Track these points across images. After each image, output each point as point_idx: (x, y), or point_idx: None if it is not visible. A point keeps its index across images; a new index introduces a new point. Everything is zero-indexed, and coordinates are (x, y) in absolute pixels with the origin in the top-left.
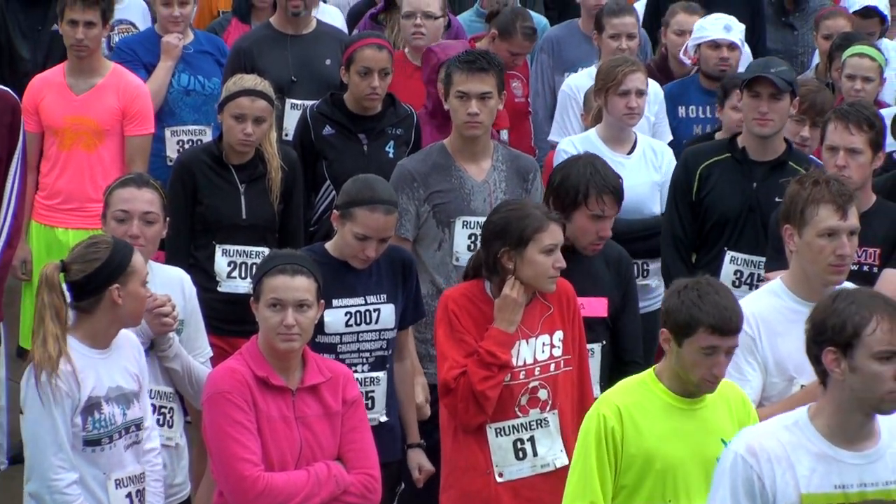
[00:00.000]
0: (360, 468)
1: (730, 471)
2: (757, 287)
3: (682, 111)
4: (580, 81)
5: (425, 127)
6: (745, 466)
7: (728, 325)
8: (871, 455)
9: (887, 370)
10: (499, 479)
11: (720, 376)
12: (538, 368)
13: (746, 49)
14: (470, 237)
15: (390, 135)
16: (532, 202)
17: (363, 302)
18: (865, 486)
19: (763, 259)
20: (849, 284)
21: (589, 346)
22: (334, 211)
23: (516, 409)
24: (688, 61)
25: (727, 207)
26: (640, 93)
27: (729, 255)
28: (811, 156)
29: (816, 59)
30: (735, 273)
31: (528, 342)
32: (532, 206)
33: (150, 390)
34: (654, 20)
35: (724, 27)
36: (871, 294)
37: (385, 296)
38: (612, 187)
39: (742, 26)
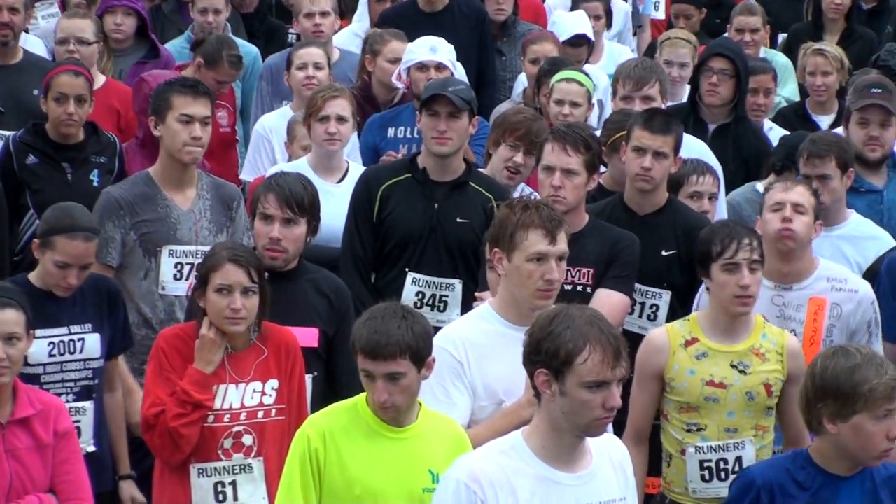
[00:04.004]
0: (74, 500)
1: (453, 498)
2: (440, 307)
3: (391, 132)
4: (272, 122)
5: (136, 156)
6: (469, 493)
7: (375, 349)
8: (586, 476)
9: (596, 398)
10: None
11: (381, 402)
12: (244, 414)
13: (460, 68)
14: (176, 266)
15: (94, 163)
16: (229, 241)
17: (67, 332)
18: None
19: (445, 280)
20: None
21: None
22: (35, 240)
23: (219, 451)
24: (401, 85)
25: (409, 228)
26: (341, 119)
27: (410, 276)
28: (524, 184)
29: (523, 84)
30: (417, 294)
31: (237, 387)
32: (221, 246)
33: None
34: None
35: (429, 49)
36: (589, 320)
37: (90, 325)
38: (279, 187)
39: (450, 47)
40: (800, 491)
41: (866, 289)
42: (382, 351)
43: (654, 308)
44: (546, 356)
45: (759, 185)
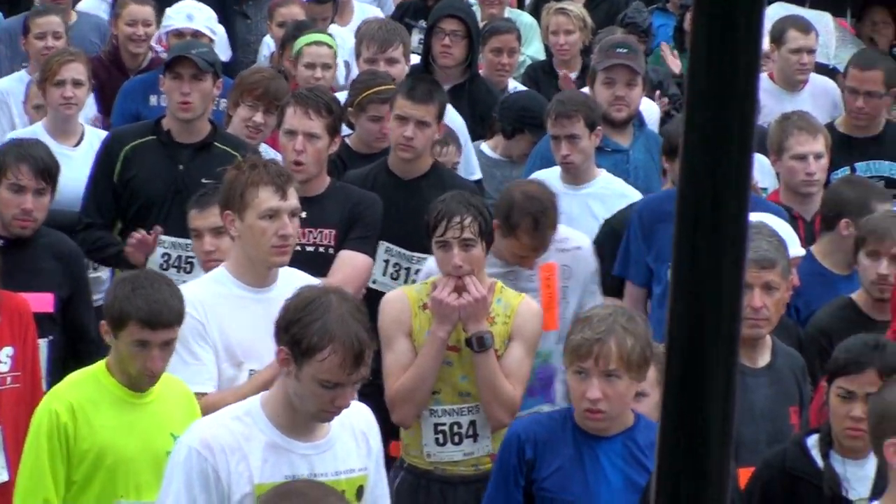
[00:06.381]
0: None
1: (183, 464)
2: (186, 269)
3: (154, 100)
4: (8, 85)
5: None
6: (200, 459)
7: (157, 318)
8: (322, 446)
9: (326, 394)
10: None
11: (155, 371)
12: None
13: (221, 32)
14: None
15: None
16: None
17: None
18: (316, 475)
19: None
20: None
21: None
22: None
23: None
24: (160, 49)
25: (152, 190)
26: (77, 83)
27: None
28: (268, 146)
29: (271, 48)
30: (163, 256)
31: None
32: None
33: None
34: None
35: (186, 16)
36: (342, 318)
37: None
38: (32, 157)
39: (209, 13)
40: (563, 447)
41: (587, 242)
42: (163, 319)
43: (418, 273)
44: (291, 339)
45: (484, 146)
